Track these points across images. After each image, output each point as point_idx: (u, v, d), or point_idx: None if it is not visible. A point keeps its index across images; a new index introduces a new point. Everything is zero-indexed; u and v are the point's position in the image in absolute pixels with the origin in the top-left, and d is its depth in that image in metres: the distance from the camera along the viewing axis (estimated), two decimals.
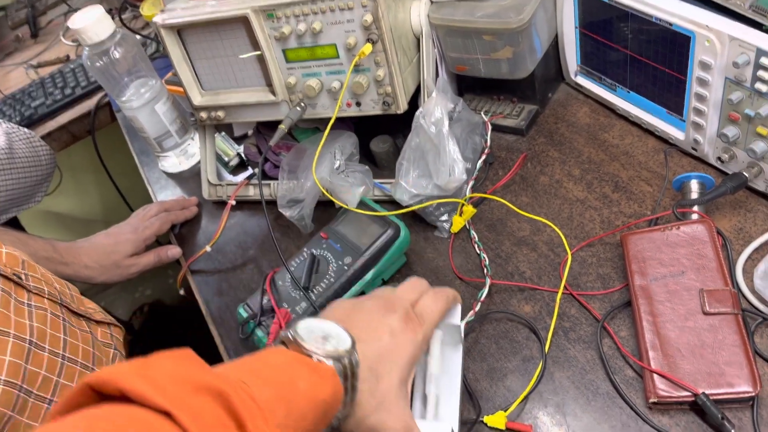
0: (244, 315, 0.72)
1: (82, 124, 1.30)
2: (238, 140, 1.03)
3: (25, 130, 1.00)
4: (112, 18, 1.40)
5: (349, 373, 0.45)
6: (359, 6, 0.71)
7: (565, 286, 0.66)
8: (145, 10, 1.29)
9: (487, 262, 0.71)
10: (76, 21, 0.85)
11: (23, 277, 0.59)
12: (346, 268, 0.71)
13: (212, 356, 0.75)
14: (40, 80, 1.36)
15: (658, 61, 0.70)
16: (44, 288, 0.61)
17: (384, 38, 0.72)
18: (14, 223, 1.49)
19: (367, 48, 0.72)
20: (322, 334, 0.46)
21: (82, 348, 0.60)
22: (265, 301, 0.71)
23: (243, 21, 0.77)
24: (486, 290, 0.67)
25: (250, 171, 0.98)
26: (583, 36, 0.80)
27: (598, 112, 0.84)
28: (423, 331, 0.52)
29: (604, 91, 0.82)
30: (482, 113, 0.87)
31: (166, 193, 1.02)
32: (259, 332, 0.69)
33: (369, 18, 0.71)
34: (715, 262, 0.60)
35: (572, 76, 0.85)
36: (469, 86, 0.90)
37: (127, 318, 1.99)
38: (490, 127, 0.84)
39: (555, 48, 0.84)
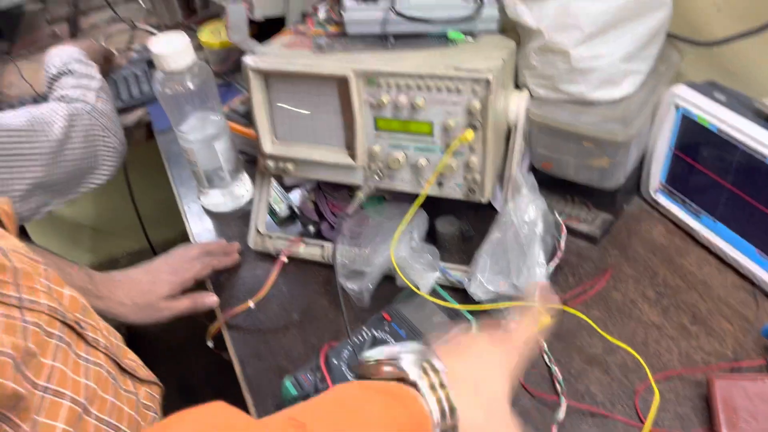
0: (293, 392, 0.66)
1: None
2: (287, 189, 0.99)
3: (99, 109, 0.97)
4: None
5: (434, 382, 0.43)
6: (469, 91, 0.69)
7: (641, 421, 0.63)
8: (204, 36, 1.26)
9: (560, 378, 0.67)
10: (158, 45, 0.81)
11: (83, 325, 0.53)
12: None
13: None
14: None
15: (761, 201, 0.69)
16: (100, 339, 0.55)
17: (486, 126, 0.70)
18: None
19: (470, 134, 0.70)
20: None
21: (127, 413, 0.54)
22: (318, 378, 0.66)
23: (338, 80, 0.74)
24: (563, 411, 0.63)
25: (297, 225, 0.93)
26: (675, 157, 0.78)
27: (674, 234, 0.82)
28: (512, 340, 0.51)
29: (686, 215, 0.80)
30: (555, 213, 0.84)
31: (201, 230, 0.97)
32: None
33: (477, 105, 0.68)
34: None
35: (651, 193, 0.84)
36: (541, 181, 0.88)
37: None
38: (565, 230, 0.81)
39: (639, 161, 0.83)
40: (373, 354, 0.46)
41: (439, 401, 0.42)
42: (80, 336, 0.52)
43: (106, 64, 1.25)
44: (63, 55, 1.09)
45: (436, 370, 0.44)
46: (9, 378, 0.42)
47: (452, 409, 0.43)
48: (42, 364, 0.47)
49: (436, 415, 0.42)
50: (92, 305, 0.74)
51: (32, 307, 0.48)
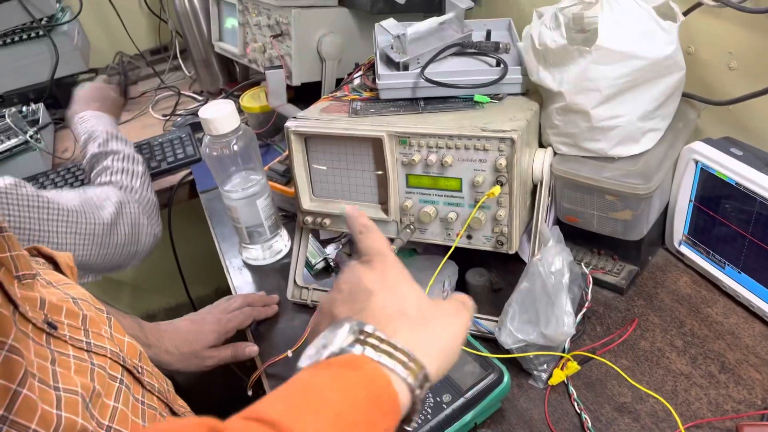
0: None
1: (159, 197, 1.31)
2: (323, 243, 1.03)
3: (145, 198, 1.02)
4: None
5: (375, 343, 0.43)
6: (495, 149, 0.73)
7: None
8: (244, 101, 1.35)
9: (590, 425, 0.69)
10: (207, 112, 0.88)
11: (140, 370, 0.57)
12: (444, 406, 0.68)
13: None
14: None
15: None
16: (155, 384, 0.59)
17: (512, 182, 0.74)
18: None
19: (497, 190, 0.74)
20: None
21: None
22: None
23: (373, 141, 0.79)
24: None
25: (333, 277, 0.97)
26: (696, 209, 0.81)
27: (699, 285, 0.84)
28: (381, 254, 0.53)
29: (710, 265, 0.82)
30: (582, 265, 0.87)
31: (242, 283, 1.02)
32: None
33: (503, 162, 0.73)
34: None
35: (675, 245, 0.86)
36: (568, 234, 0.91)
37: None
38: (591, 280, 0.84)
39: (662, 214, 0.86)
40: (309, 358, 0.44)
41: (390, 355, 0.43)
42: (137, 380, 0.56)
43: (118, 109, 1.32)
44: (99, 128, 1.13)
45: (368, 333, 0.44)
46: (78, 415, 0.46)
47: (407, 353, 0.43)
48: (106, 405, 0.51)
49: (400, 369, 0.42)
50: None
51: (98, 351, 0.53)
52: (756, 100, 0.76)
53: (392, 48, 0.88)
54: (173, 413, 0.62)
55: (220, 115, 0.88)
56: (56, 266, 0.65)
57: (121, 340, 0.57)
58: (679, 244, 0.86)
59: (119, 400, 0.51)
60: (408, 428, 0.45)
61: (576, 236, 0.89)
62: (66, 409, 0.45)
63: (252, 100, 1.34)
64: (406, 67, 0.86)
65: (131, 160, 1.09)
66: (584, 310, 0.81)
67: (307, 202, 0.87)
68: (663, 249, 0.90)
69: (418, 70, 0.84)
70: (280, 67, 1.19)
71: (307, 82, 1.25)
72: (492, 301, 0.87)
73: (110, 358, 0.53)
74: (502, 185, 0.75)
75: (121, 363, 0.54)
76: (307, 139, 0.84)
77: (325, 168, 0.83)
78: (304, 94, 1.24)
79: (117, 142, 1.12)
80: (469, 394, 0.69)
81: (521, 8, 1.14)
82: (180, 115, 1.54)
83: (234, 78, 1.59)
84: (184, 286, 1.45)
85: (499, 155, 0.73)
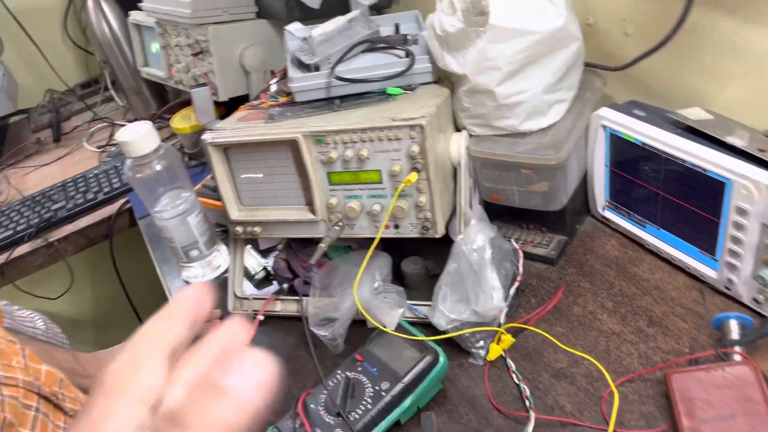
0: None
1: (99, 229, 1.30)
2: (264, 253, 1.03)
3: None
4: None
5: None
6: (407, 137, 0.75)
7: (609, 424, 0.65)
8: (175, 122, 1.34)
9: (528, 393, 0.70)
10: (124, 134, 0.88)
11: (60, 397, 0.56)
12: (383, 393, 0.69)
13: None
14: (62, 183, 1.37)
15: (690, 203, 0.73)
16: (78, 410, 0.58)
17: (428, 167, 0.75)
18: None
19: (413, 176, 0.75)
20: None
21: None
22: (297, 425, 0.69)
23: (290, 143, 0.80)
24: (532, 425, 0.65)
25: (275, 285, 0.97)
26: (613, 174, 0.84)
27: (626, 246, 0.86)
28: None
29: (633, 226, 0.84)
30: (512, 241, 0.89)
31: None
32: None
33: (416, 149, 0.74)
34: (765, 406, 0.60)
35: (599, 210, 0.89)
36: (497, 214, 0.93)
37: None
38: (522, 255, 0.86)
39: (583, 182, 0.88)
40: None
41: None
42: (58, 407, 0.56)
43: None
44: None
45: None
46: None
47: None
48: None
49: None
50: (80, 384, 0.77)
51: (8, 382, 0.52)
52: (653, 61, 0.79)
53: (302, 51, 0.89)
54: None
55: (138, 136, 0.88)
56: None
57: (38, 369, 0.56)
58: (603, 209, 0.89)
59: (36, 428, 0.51)
60: None
61: (503, 214, 0.91)
62: None
63: (182, 121, 1.34)
64: (317, 68, 0.87)
65: (17, 310, 0.98)
66: (517, 284, 0.83)
67: (234, 213, 0.88)
68: (590, 216, 0.92)
69: (329, 69, 0.85)
70: (204, 84, 1.19)
71: (236, 97, 1.26)
72: (429, 287, 0.88)
73: (23, 388, 0.52)
74: (419, 171, 0.76)
75: (36, 391, 0.54)
76: (227, 150, 0.84)
77: (261, 176, 0.82)
78: (235, 109, 1.24)
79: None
80: (406, 379, 0.70)
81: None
82: (114, 144, 1.52)
83: (167, 102, 1.58)
84: (136, 316, 1.43)
85: (412, 142, 0.75)
